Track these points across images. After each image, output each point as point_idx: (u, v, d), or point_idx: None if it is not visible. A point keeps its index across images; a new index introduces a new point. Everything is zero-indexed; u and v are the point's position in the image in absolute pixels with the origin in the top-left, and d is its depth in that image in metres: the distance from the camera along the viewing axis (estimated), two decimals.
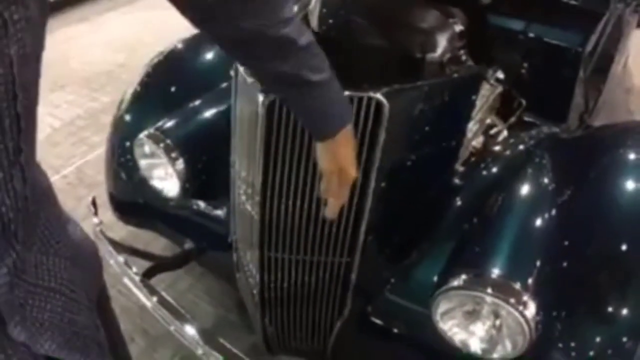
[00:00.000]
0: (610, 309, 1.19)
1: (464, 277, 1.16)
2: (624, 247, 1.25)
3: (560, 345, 1.18)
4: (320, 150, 0.99)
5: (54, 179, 2.79)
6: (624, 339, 1.16)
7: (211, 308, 2.02)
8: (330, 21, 1.25)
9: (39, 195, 0.75)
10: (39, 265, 0.75)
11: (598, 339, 1.17)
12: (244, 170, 1.30)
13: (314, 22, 1.22)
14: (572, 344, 1.17)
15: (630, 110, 3.47)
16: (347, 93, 1.06)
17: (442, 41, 1.30)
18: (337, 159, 0.98)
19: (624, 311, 1.18)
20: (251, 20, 0.82)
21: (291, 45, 0.85)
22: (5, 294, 0.68)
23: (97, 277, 0.96)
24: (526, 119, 1.87)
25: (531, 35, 1.87)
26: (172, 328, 1.52)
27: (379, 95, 1.08)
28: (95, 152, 2.91)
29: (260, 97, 1.10)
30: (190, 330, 1.49)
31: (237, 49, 0.92)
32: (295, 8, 1.14)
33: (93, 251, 0.96)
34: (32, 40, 0.58)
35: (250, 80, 1.15)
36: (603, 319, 1.19)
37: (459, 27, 1.43)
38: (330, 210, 1.08)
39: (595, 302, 1.22)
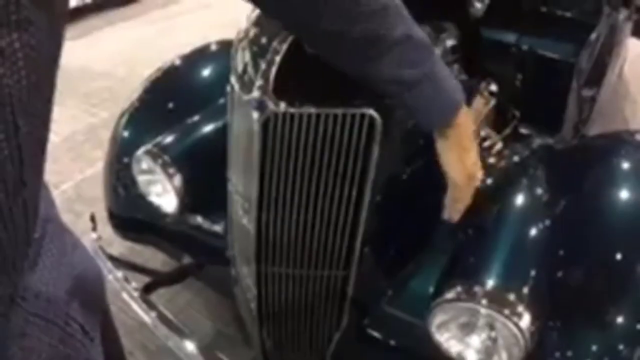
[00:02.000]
0: (606, 318, 1.19)
1: (458, 289, 1.17)
2: (618, 257, 1.25)
3: (556, 355, 1.18)
4: (445, 152, 0.93)
5: (53, 194, 2.78)
6: (620, 347, 1.16)
7: (210, 323, 2.03)
8: None
9: (42, 223, 0.74)
10: (39, 295, 0.73)
11: (594, 348, 1.17)
12: (241, 186, 1.31)
13: None
14: (569, 354, 1.17)
15: (626, 118, 3.49)
16: (339, 110, 1.08)
17: None
18: (465, 165, 0.93)
19: (620, 320, 1.18)
20: (334, 16, 0.74)
21: (383, 42, 0.77)
22: (1, 324, 0.67)
23: (99, 304, 0.95)
24: (521, 130, 1.89)
25: (524, 47, 1.89)
26: (170, 343, 1.53)
27: (371, 112, 1.09)
28: (94, 168, 2.93)
29: (255, 115, 1.11)
30: (189, 345, 1.49)
31: (323, 49, 0.85)
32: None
33: (96, 278, 0.94)
34: (41, 68, 0.55)
35: (245, 97, 1.17)
36: (599, 328, 1.20)
37: (451, 41, 1.45)
38: (457, 215, 1.07)
39: (591, 312, 1.22)
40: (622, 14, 2.60)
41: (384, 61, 0.80)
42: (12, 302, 0.68)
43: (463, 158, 0.94)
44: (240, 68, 1.26)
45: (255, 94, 1.11)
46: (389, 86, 0.87)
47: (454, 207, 1.03)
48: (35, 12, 0.51)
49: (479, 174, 0.99)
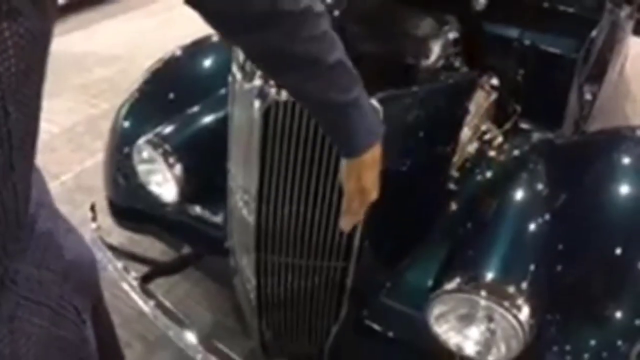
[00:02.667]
0: (604, 312, 1.20)
1: (458, 280, 1.17)
2: (618, 251, 1.26)
3: (555, 348, 1.19)
4: (346, 168, 0.98)
5: (53, 185, 2.79)
6: (619, 342, 1.17)
7: (209, 313, 2.03)
8: None
9: (34, 207, 0.75)
10: (29, 278, 0.74)
11: (593, 342, 1.18)
12: (240, 176, 1.31)
13: None
14: (567, 347, 1.18)
15: (627, 116, 3.49)
16: None
17: (435, 48, 1.32)
18: (360, 180, 0.98)
19: (618, 314, 1.19)
20: (278, 36, 0.80)
21: (319, 64, 0.83)
22: None
23: (92, 290, 0.95)
24: (521, 125, 1.89)
25: (526, 42, 1.89)
26: (170, 333, 1.53)
27: (373, 101, 1.09)
28: (94, 159, 2.92)
29: (257, 103, 1.11)
30: (188, 335, 1.50)
31: (264, 64, 0.90)
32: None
33: (90, 264, 0.94)
34: (30, 55, 0.56)
35: (246, 86, 1.17)
36: (598, 322, 1.20)
37: (453, 35, 1.45)
38: (346, 226, 1.09)
39: (589, 306, 1.23)
40: (624, 11, 2.60)
41: (318, 83, 0.85)
42: (2, 285, 0.68)
43: (361, 174, 0.98)
44: (241, 57, 1.26)
45: (257, 82, 1.11)
46: (318, 107, 0.91)
47: (346, 218, 1.08)
48: (24, 2, 0.53)
49: (374, 193, 1.03)
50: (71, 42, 4.48)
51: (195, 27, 2.07)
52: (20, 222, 0.68)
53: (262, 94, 1.10)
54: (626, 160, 1.49)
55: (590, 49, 1.99)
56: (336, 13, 1.19)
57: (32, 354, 0.74)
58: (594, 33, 1.99)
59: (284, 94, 1.09)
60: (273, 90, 1.09)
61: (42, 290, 0.76)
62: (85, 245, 0.95)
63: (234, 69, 1.28)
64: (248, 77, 1.17)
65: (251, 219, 1.26)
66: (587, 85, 2.19)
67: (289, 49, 0.81)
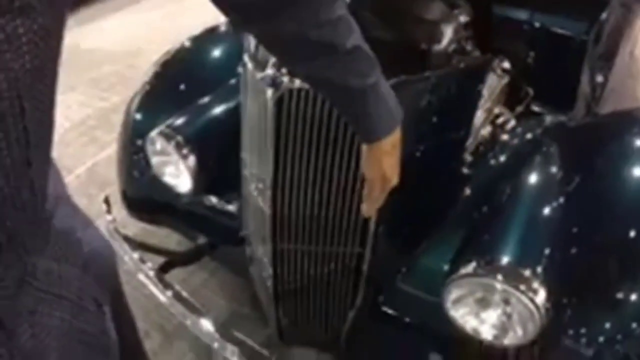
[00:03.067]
0: (619, 295, 1.20)
1: (474, 264, 1.17)
2: (632, 234, 1.25)
3: (570, 331, 1.19)
4: (365, 155, 0.98)
5: (67, 178, 2.80)
6: (634, 325, 1.17)
7: (225, 302, 2.05)
8: None
9: (52, 203, 0.75)
10: (50, 272, 0.74)
11: (608, 325, 1.18)
12: (255, 165, 1.32)
13: None
14: (583, 330, 1.18)
15: (638, 98, 3.46)
16: None
17: (447, 32, 1.31)
18: (381, 166, 0.97)
19: (634, 297, 1.19)
20: (292, 22, 0.79)
21: (335, 50, 0.82)
22: (9, 304, 0.67)
23: (111, 282, 0.96)
24: (534, 108, 1.88)
25: (536, 24, 1.88)
26: (187, 322, 1.55)
27: None
28: (106, 151, 2.94)
29: (269, 92, 1.11)
30: (205, 324, 1.51)
31: (280, 51, 0.90)
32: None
33: (108, 256, 0.95)
34: (44, 51, 0.57)
35: (259, 75, 1.17)
36: (612, 304, 1.20)
37: (464, 18, 1.44)
38: (368, 212, 1.10)
39: (604, 288, 1.22)
40: None
41: (335, 68, 0.85)
42: (22, 280, 0.69)
43: (382, 160, 0.97)
44: (253, 47, 1.27)
45: (269, 71, 1.11)
46: (336, 93, 0.91)
47: (367, 204, 1.08)
48: None
49: (395, 179, 1.04)
50: (81, 36, 4.50)
51: (202, 17, 2.09)
52: (39, 218, 0.69)
53: (274, 82, 1.11)
54: (638, 142, 1.49)
55: (600, 30, 1.98)
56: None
57: (53, 347, 0.75)
58: (604, 15, 1.97)
59: (297, 82, 1.09)
60: (286, 79, 1.10)
61: (63, 284, 0.77)
62: (103, 239, 0.96)
63: (246, 58, 1.28)
64: (260, 66, 1.17)
65: (267, 207, 1.27)
66: (598, 67, 2.18)
67: (304, 35, 0.80)
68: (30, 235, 0.68)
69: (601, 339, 1.17)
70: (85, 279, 0.82)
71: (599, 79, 2.26)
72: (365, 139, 0.97)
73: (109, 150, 2.84)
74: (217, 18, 2.22)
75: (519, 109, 1.78)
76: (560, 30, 1.88)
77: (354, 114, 0.93)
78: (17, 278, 0.68)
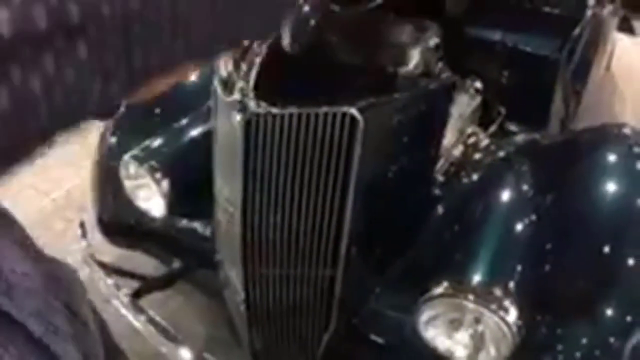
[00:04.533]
0: (594, 310, 1.20)
1: (445, 284, 1.18)
2: (606, 249, 1.26)
3: (546, 348, 1.18)
4: None
5: (44, 202, 2.79)
6: (611, 340, 1.17)
7: (201, 326, 2.02)
8: (302, 39, 1.26)
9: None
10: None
11: (584, 340, 1.18)
12: (225, 189, 1.31)
13: (287, 41, 1.25)
14: (559, 347, 1.18)
15: (615, 113, 3.50)
16: (320, 110, 1.08)
17: (414, 55, 1.33)
18: None
19: (609, 312, 1.19)
20: None
21: None
22: None
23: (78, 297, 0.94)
24: (507, 127, 1.90)
25: (508, 44, 1.90)
26: (163, 349, 1.53)
27: (353, 110, 1.10)
28: (84, 175, 2.92)
29: (237, 117, 1.12)
30: (181, 350, 1.50)
31: None
32: None
33: (69, 271, 0.93)
34: None
35: (227, 99, 1.17)
36: (588, 320, 1.20)
37: (433, 41, 1.46)
38: None
39: (579, 304, 1.23)
40: (607, 9, 2.62)
41: None
42: None
43: None
44: (223, 72, 1.27)
45: (237, 95, 1.12)
46: None
47: None
48: None
49: None
50: None
51: None
52: None
53: (242, 107, 1.11)
54: (612, 158, 1.49)
55: (573, 48, 2.00)
56: (312, 23, 1.20)
57: None
58: (576, 32, 2.00)
59: (263, 106, 1.10)
60: (252, 103, 1.10)
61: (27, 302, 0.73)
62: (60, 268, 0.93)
63: (215, 82, 1.29)
64: (228, 90, 1.18)
65: (237, 231, 1.26)
66: (572, 83, 2.21)
67: None
68: None
69: (578, 354, 1.17)
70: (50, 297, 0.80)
71: (573, 95, 2.29)
72: None
73: (87, 173, 2.82)
74: None
75: (492, 128, 1.80)
76: (532, 49, 1.91)
77: None
78: None
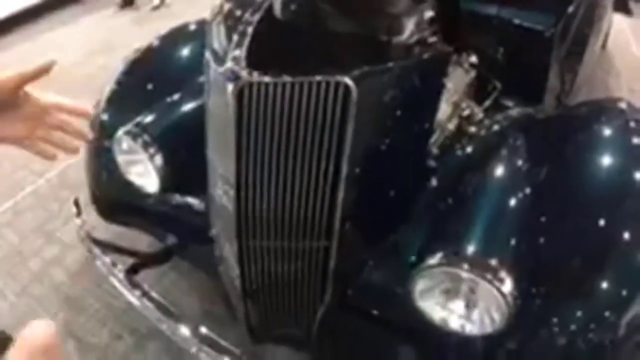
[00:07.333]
0: (590, 283, 1.20)
1: (440, 255, 1.17)
2: (601, 222, 1.25)
3: (541, 320, 1.19)
4: None
5: (39, 183, 2.78)
6: (606, 313, 1.16)
7: (197, 302, 2.03)
8: (295, 7, 1.24)
9: None
10: None
11: (579, 314, 1.18)
12: (218, 162, 1.30)
13: (278, 9, 1.23)
14: (554, 319, 1.18)
15: (610, 90, 3.51)
16: (313, 79, 1.07)
17: (409, 24, 1.30)
18: None
19: (604, 285, 1.18)
20: None
21: None
22: None
23: None
24: (502, 102, 1.89)
25: (504, 18, 1.89)
26: (159, 323, 1.53)
27: (346, 79, 1.08)
28: (78, 155, 2.90)
29: (230, 86, 1.10)
30: (177, 325, 1.50)
31: None
32: None
33: None
34: None
35: (219, 69, 1.15)
36: (584, 293, 1.20)
37: (428, 13, 1.44)
38: None
39: (575, 277, 1.22)
40: None
41: None
42: None
43: None
44: (214, 43, 1.26)
45: (229, 64, 1.10)
46: None
47: None
48: None
49: None
50: (53, 39, 4.45)
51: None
52: None
53: (234, 76, 1.09)
54: (606, 132, 1.49)
55: (567, 24, 1.99)
56: None
57: None
58: (570, 9, 1.99)
59: (255, 75, 1.08)
60: (245, 72, 1.08)
61: None
62: None
63: (207, 54, 1.27)
64: (220, 60, 1.16)
65: (231, 206, 1.26)
66: (568, 60, 2.20)
67: None
68: None
69: (573, 327, 1.17)
70: None
71: (569, 71, 2.28)
72: None
73: (81, 153, 2.80)
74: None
75: (487, 102, 1.79)
76: (527, 24, 1.89)
77: None
78: None
